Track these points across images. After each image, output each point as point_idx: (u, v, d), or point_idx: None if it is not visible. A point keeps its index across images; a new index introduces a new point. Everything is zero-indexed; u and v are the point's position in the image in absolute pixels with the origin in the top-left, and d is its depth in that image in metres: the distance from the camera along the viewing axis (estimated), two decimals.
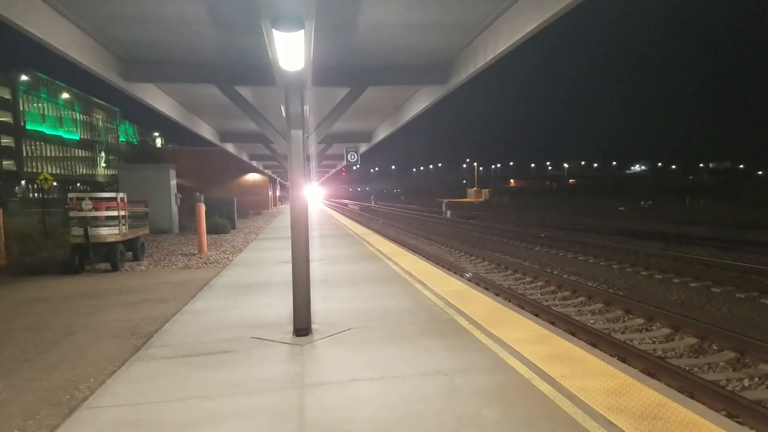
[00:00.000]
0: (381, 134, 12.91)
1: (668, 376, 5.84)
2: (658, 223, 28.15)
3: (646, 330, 8.09)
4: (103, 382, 4.57)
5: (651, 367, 6.16)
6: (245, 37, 5.20)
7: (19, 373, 5.00)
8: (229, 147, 15.31)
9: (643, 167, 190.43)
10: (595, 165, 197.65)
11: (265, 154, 18.70)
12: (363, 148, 14.50)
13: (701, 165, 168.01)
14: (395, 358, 4.83)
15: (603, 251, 16.46)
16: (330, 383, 4.28)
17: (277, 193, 66.97)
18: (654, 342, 7.53)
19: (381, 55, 6.09)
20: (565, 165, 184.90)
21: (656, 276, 12.29)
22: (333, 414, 3.70)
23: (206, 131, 11.97)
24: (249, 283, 9.16)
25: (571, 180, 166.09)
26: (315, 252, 13.33)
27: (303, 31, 3.56)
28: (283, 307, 7.05)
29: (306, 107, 5.55)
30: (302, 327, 5.61)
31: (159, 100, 7.71)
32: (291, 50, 3.94)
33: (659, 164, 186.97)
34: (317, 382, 4.32)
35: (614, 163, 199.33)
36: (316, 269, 10.33)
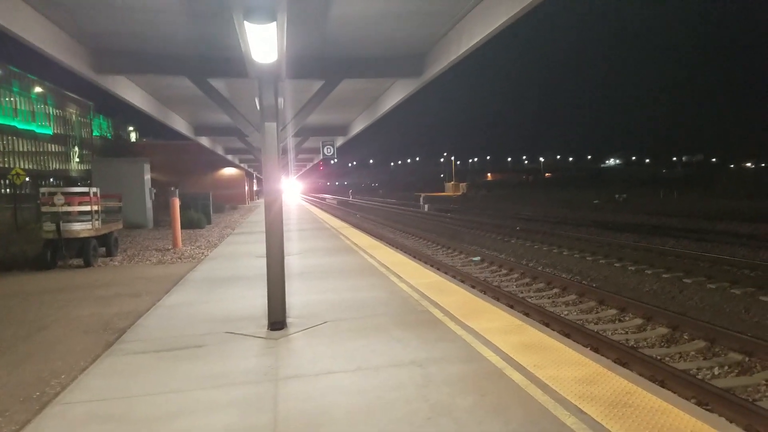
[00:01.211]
0: (357, 127, 12.88)
1: (640, 365, 5.96)
2: (631, 215, 28.68)
3: (619, 320, 8.24)
4: (74, 378, 4.51)
5: (623, 356, 6.28)
6: (218, 29, 5.13)
7: None
8: (204, 140, 15.12)
9: (617, 161, 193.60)
10: (571, 159, 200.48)
11: (241, 148, 18.51)
12: (339, 141, 14.44)
13: (674, 158, 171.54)
14: (369, 349, 4.84)
15: (577, 243, 16.71)
16: (304, 375, 4.28)
17: (254, 188, 66.38)
18: (627, 332, 7.67)
19: (355, 47, 6.07)
20: (541, 159, 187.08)
21: (629, 267, 12.52)
22: (307, 405, 3.70)
23: (180, 125, 11.79)
24: (224, 277, 9.08)
25: (547, 173, 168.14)
26: (292, 245, 13.27)
27: (275, 23, 3.53)
28: (258, 300, 7.01)
29: (280, 100, 5.51)
30: (277, 320, 5.59)
31: (131, 92, 7.56)
32: (263, 42, 3.90)
33: (633, 158, 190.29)
34: (292, 374, 4.32)
35: (589, 156, 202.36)
36: (292, 262, 10.29)
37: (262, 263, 10.25)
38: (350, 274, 8.92)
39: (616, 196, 49.45)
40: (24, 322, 6.55)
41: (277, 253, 5.61)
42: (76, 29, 5.26)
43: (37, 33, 4.72)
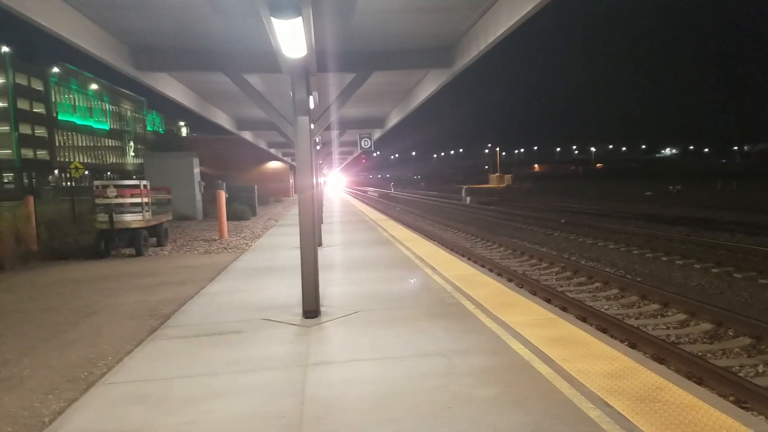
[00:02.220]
0: (393, 119, 12.92)
1: (678, 361, 5.80)
2: (685, 207, 27.52)
3: (661, 316, 8.00)
4: (119, 360, 4.80)
5: (661, 352, 6.11)
6: (249, 24, 5.28)
7: (39, 351, 5.26)
8: (247, 135, 15.51)
9: (673, 150, 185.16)
10: (624, 149, 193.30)
11: (284, 142, 18.88)
12: (377, 134, 14.51)
13: (735, 148, 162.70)
14: (397, 339, 4.92)
15: (624, 236, 16.22)
16: (333, 362, 4.41)
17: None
18: (668, 328, 7.44)
19: (384, 40, 6.11)
20: (592, 149, 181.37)
21: (677, 261, 12.08)
22: (332, 390, 3.82)
23: (222, 119, 12.15)
24: (265, 267, 9.36)
25: (598, 164, 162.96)
26: (331, 237, 13.48)
27: (301, 18, 3.62)
28: (295, 289, 7.16)
29: (315, 94, 5.62)
30: (311, 309, 5.74)
31: (172, 88, 7.86)
32: (291, 37, 4.00)
33: (690, 147, 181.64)
34: (321, 361, 4.45)
35: (643, 146, 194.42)
36: (330, 254, 10.48)
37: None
38: (385, 265, 9.01)
39: (670, 187, 47.51)
40: (74, 309, 6.97)
41: (310, 243, 5.75)
42: (116, 28, 5.52)
43: (81, 33, 5.00)
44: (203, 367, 4.43)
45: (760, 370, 5.78)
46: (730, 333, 6.97)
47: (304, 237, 5.72)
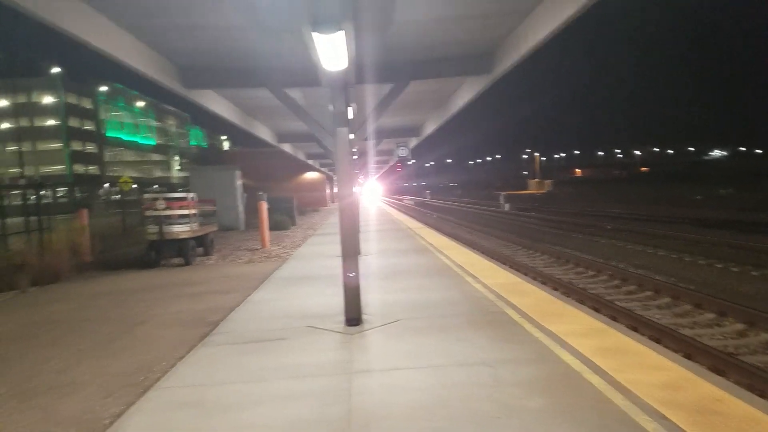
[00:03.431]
0: (430, 128, 12.92)
1: (737, 372, 5.55)
2: (738, 212, 26.32)
3: (717, 326, 7.67)
4: (172, 365, 4.95)
5: (719, 363, 5.86)
6: (289, 42, 5.42)
7: (97, 357, 5.49)
8: (287, 147, 15.82)
9: (723, 152, 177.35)
10: (670, 151, 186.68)
11: (321, 153, 19.17)
12: (413, 142, 14.53)
13: None
14: (440, 348, 4.89)
15: (674, 243, 15.65)
16: (377, 370, 4.43)
17: (334, 191, 68.13)
18: (725, 338, 7.13)
19: (421, 50, 6.14)
20: (637, 152, 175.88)
21: (732, 269, 11.57)
22: (378, 398, 3.84)
23: (264, 133, 12.45)
24: (306, 275, 9.48)
25: (642, 168, 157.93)
26: (369, 246, 13.53)
27: (342, 32, 3.69)
28: (336, 298, 7.22)
29: (354, 105, 5.70)
30: (353, 317, 5.78)
31: (217, 104, 8.11)
32: (332, 51, 4.09)
33: (741, 148, 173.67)
34: (364, 369, 4.48)
35: (690, 148, 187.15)
36: (369, 262, 10.52)
37: (341, 263, 10.62)
38: (424, 274, 8.98)
39: (721, 190, 45.56)
40: (128, 316, 7.24)
41: (352, 251, 5.81)
42: (168, 50, 5.76)
43: (135, 56, 5.25)
44: (253, 373, 4.53)
45: None
46: None
47: (345, 245, 5.78)
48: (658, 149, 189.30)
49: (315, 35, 3.62)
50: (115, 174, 77.30)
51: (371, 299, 6.99)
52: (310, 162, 22.92)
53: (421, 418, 3.48)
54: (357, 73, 5.01)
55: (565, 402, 3.62)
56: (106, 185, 74.95)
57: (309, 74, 6.05)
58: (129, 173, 79.89)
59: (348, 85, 5.24)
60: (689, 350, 6.34)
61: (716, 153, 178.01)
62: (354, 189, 5.79)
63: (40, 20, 4.81)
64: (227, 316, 6.73)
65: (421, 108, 10.76)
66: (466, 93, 8.42)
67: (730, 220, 21.29)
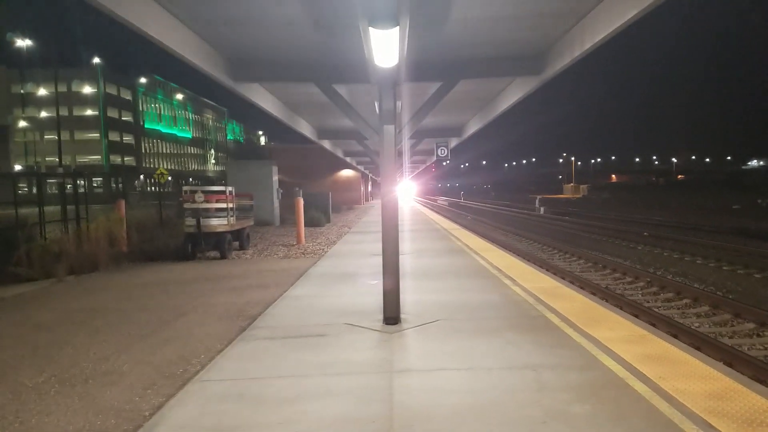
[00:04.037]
0: (472, 128, 12.80)
1: None
2: None
3: (758, 335, 7.45)
4: (212, 359, 4.99)
5: (760, 373, 5.68)
6: (341, 37, 5.44)
7: (136, 348, 5.54)
8: (326, 144, 15.92)
9: (761, 162, 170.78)
10: (707, 159, 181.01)
11: (358, 151, 19.23)
12: (453, 142, 14.44)
13: None
14: (482, 350, 4.86)
15: (713, 251, 15.17)
16: (418, 370, 4.42)
17: (369, 189, 68.30)
18: (766, 348, 6.92)
19: (472, 48, 6.07)
20: (674, 159, 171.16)
21: None
22: (421, 398, 3.82)
23: (305, 128, 12.57)
24: (342, 272, 9.54)
25: (679, 175, 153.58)
26: (404, 245, 13.49)
27: (398, 27, 3.70)
28: (372, 296, 7.27)
29: (399, 103, 5.71)
30: (392, 316, 5.79)
31: (263, 99, 8.22)
32: (386, 47, 4.09)
33: None
34: (405, 368, 4.47)
35: (729, 157, 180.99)
36: (404, 262, 10.46)
37: (376, 261, 10.65)
38: (461, 275, 8.94)
39: (759, 200, 43.91)
40: (168, 308, 7.34)
41: (392, 250, 5.82)
42: (216, 41, 5.84)
43: (186, 46, 5.34)
44: (293, 368, 4.56)
45: None
46: None
47: (386, 244, 5.80)
48: (695, 157, 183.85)
49: (371, 30, 3.64)
50: (152, 166, 79.28)
51: (408, 299, 6.99)
52: (348, 159, 22.95)
53: (466, 421, 3.46)
54: (406, 70, 5.00)
55: (611, 409, 3.56)
56: (142, 176, 76.98)
57: (357, 70, 6.06)
58: (165, 165, 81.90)
59: (396, 82, 5.25)
60: (729, 359, 6.17)
61: (754, 163, 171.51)
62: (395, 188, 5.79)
63: (97, 6, 4.92)
64: (266, 310, 6.79)
65: (465, 108, 10.68)
66: (512, 94, 8.31)
67: None
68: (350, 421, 3.51)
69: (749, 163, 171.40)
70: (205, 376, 4.47)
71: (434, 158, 18.42)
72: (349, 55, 5.93)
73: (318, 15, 4.73)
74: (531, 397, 3.80)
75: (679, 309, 9.03)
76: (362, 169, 41.16)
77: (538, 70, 6.51)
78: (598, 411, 3.54)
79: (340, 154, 19.56)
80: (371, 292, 7.56)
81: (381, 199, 5.79)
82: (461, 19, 4.98)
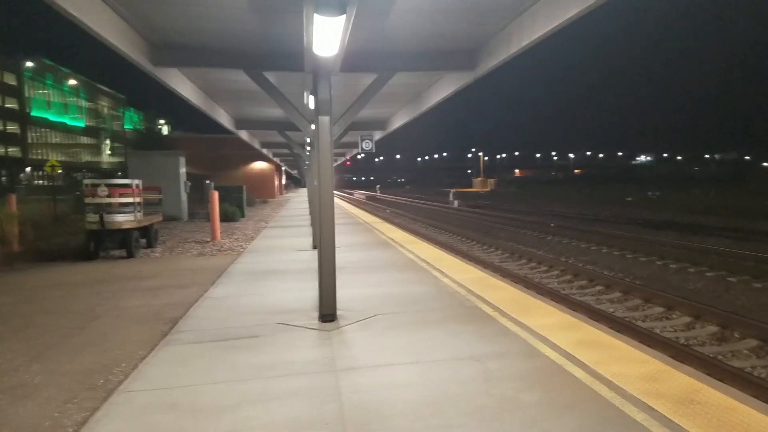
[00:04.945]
0: (398, 122, 12.82)
1: (697, 363, 5.85)
2: (667, 212, 28.00)
3: (667, 318, 8.10)
4: (135, 366, 4.59)
5: (678, 354, 6.17)
6: (278, 22, 5.16)
7: (49, 357, 5.01)
8: (243, 134, 15.25)
9: (648, 158, 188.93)
10: (601, 155, 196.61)
11: (276, 142, 18.62)
12: (377, 135, 14.41)
13: (707, 156, 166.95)
14: (426, 343, 4.83)
15: (616, 241, 16.41)
16: (364, 367, 4.30)
17: (283, 182, 66.96)
18: (676, 330, 7.54)
19: (412, 41, 6.00)
20: (571, 155, 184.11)
21: (671, 265, 12.26)
22: (371, 396, 3.72)
23: (224, 118, 11.94)
24: (266, 270, 9.18)
25: (576, 170, 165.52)
26: None
27: (344, 15, 3.53)
28: (303, 293, 7.07)
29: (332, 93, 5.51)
30: (329, 313, 5.62)
31: (183, 85, 7.65)
32: (328, 35, 3.90)
33: (665, 155, 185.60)
34: (350, 366, 4.34)
35: (620, 153, 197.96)
36: None
37: (302, 257, 10.44)
38: (392, 268, 8.92)
39: (650, 193, 48.38)
40: (77, 312, 6.69)
41: (329, 245, 5.64)
42: (141, 23, 5.34)
43: (107, 26, 4.82)
44: (228, 373, 4.28)
45: None
46: (737, 335, 7.09)
47: (323, 237, 5.61)
48: (589, 153, 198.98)
49: (316, 17, 3.44)
50: (40, 157, 72.26)
51: (342, 294, 6.81)
52: (264, 151, 22.15)
53: (423, 416, 3.40)
54: (344, 60, 4.82)
55: (557, 396, 3.66)
56: (29, 169, 70.01)
57: (291, 58, 5.79)
58: (55, 157, 74.91)
59: (331, 72, 5.07)
60: (648, 342, 6.63)
61: (642, 158, 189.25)
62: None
63: None
64: (188, 312, 6.36)
65: (394, 101, 10.61)
66: (443, 89, 8.36)
67: (663, 221, 22.57)
68: (301, 425, 3.33)
69: (637, 158, 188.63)
70: (130, 385, 4.09)
71: (356, 151, 18.26)
72: (282, 43, 5.64)
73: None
74: (481, 387, 3.82)
75: (593, 296, 9.62)
76: (278, 161, 40.14)
77: (473, 65, 6.59)
78: (545, 398, 3.62)
79: (257, 145, 18.83)
80: (300, 289, 7.34)
81: (319, 192, 5.57)
82: (404, 10, 4.88)
